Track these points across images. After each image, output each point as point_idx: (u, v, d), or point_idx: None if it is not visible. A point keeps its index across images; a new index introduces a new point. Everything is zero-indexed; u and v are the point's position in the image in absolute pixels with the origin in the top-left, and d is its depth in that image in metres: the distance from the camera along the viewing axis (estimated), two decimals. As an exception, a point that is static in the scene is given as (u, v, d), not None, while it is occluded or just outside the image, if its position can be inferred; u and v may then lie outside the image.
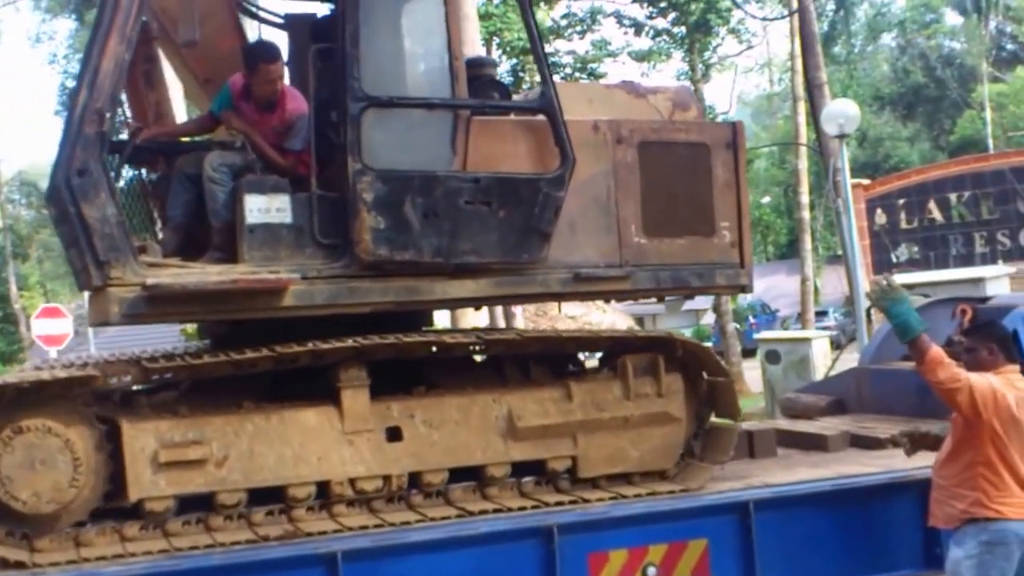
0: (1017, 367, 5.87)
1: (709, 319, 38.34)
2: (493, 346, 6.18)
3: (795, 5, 22.41)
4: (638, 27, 34.11)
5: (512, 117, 6.26)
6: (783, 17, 29.82)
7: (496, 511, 5.82)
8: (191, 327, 19.29)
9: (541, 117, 6.13)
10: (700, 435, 6.52)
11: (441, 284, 5.97)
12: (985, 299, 8.62)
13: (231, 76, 6.40)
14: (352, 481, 5.82)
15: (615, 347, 6.41)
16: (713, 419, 6.57)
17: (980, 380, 5.67)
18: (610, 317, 28.35)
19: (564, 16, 32.96)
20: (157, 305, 5.48)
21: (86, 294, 6.46)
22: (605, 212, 6.29)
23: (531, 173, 6.05)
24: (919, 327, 5.74)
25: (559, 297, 6.31)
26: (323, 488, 5.80)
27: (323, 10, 6.82)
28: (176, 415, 5.59)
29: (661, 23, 34.28)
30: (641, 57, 34.89)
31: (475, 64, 6.36)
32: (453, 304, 6.15)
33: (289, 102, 6.02)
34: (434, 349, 6.07)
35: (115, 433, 5.47)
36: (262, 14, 6.98)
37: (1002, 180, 26.61)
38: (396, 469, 5.89)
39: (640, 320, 35.26)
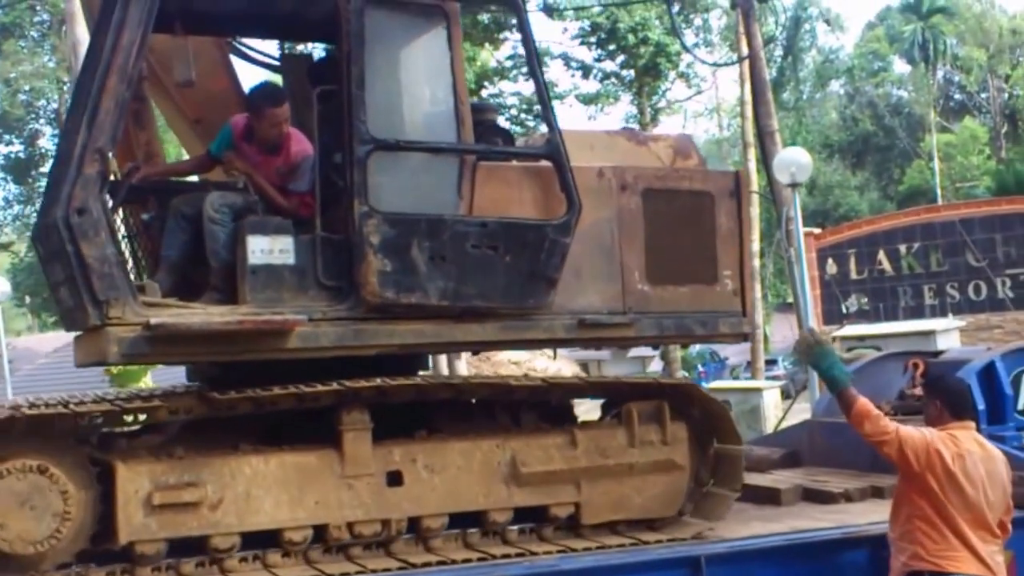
0: (970, 423, 6.00)
1: (656, 366, 38.70)
2: (514, 392, 6.31)
3: (745, 51, 22.95)
4: (586, 70, 34.64)
5: (517, 163, 6.40)
6: (733, 63, 30.46)
7: (439, 563, 5.79)
8: (116, 369, 19.25)
9: (546, 163, 6.27)
10: (698, 495, 6.67)
11: (447, 328, 6.05)
12: (937, 353, 8.84)
13: (222, 116, 6.50)
14: (350, 525, 5.87)
15: (633, 394, 6.55)
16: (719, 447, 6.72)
17: (913, 434, 5.82)
18: (556, 364, 28.53)
19: (510, 57, 33.37)
20: (159, 345, 5.50)
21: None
22: (609, 259, 6.42)
23: (538, 219, 6.17)
24: (845, 380, 5.95)
25: (563, 343, 6.45)
26: (320, 532, 5.84)
27: (318, 51, 6.95)
28: (171, 456, 5.60)
29: (609, 66, 34.84)
30: (589, 100, 35.38)
31: (477, 109, 6.45)
32: (459, 348, 6.24)
33: (294, 144, 6.10)
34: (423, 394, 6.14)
35: (106, 474, 5.49)
36: (257, 56, 7.07)
37: (952, 232, 27.22)
38: (396, 514, 5.94)
39: (585, 365, 35.47)
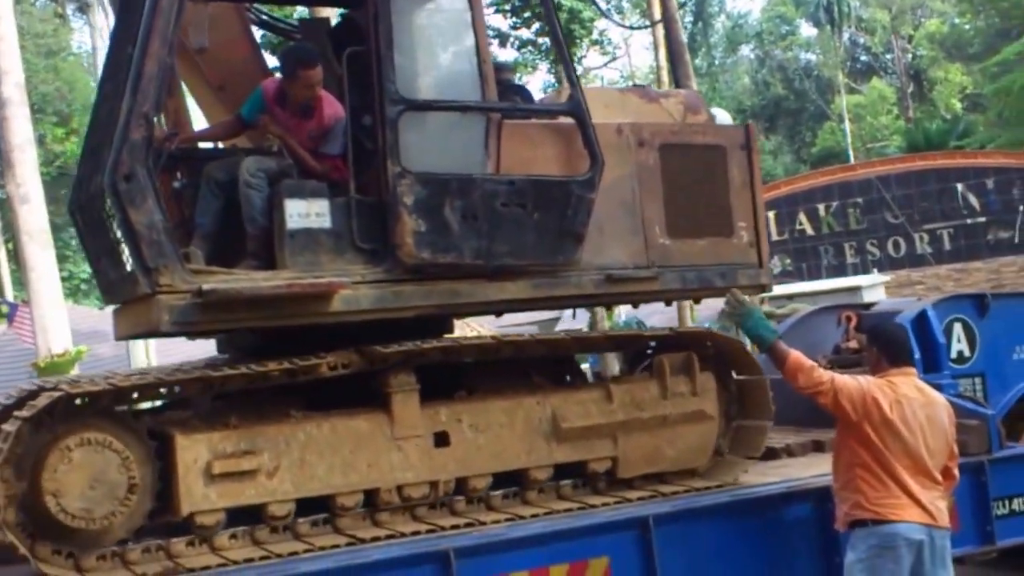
0: (909, 369, 6.07)
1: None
2: (550, 347, 6.44)
3: (657, 15, 23.14)
4: (502, 38, 34.58)
5: (539, 121, 6.52)
6: (647, 26, 30.67)
7: (389, 536, 5.78)
8: (43, 363, 19.04)
9: (566, 121, 6.38)
10: (729, 432, 6.85)
11: (482, 287, 6.15)
12: (868, 306, 9.02)
13: (245, 83, 6.52)
14: (400, 488, 5.97)
15: (648, 346, 6.73)
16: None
17: (848, 382, 5.89)
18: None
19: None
20: (210, 312, 5.52)
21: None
22: (631, 214, 6.55)
23: (563, 175, 6.30)
24: (771, 336, 6.09)
25: (592, 299, 6.55)
26: (370, 496, 5.94)
27: (334, 16, 6.97)
28: (227, 426, 5.64)
29: (526, 34, 34.83)
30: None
31: (495, 68, 6.54)
32: (494, 307, 6.33)
33: (327, 107, 6.12)
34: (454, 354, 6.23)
35: (163, 448, 5.53)
36: (275, 23, 7.09)
37: (869, 190, 27.83)
38: (443, 475, 6.05)
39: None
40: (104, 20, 22.77)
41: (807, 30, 55.52)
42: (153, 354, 22.15)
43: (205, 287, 5.43)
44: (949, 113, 44.71)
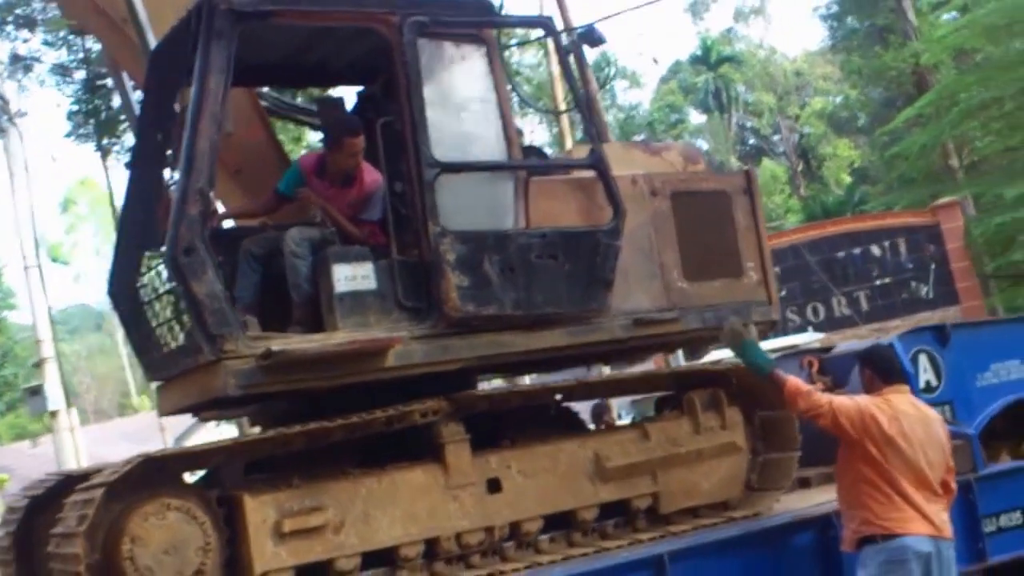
0: (902, 386, 6.30)
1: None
2: (591, 391, 6.61)
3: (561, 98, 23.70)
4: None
5: (560, 177, 6.76)
6: (569, 110, 31.27)
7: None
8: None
9: (585, 175, 6.65)
10: (758, 465, 7.04)
11: (522, 337, 6.32)
12: (827, 350, 9.23)
13: (261, 166, 6.68)
14: (458, 536, 6.04)
15: (679, 383, 6.94)
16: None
17: (846, 403, 6.11)
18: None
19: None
20: (272, 374, 5.62)
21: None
22: (649, 260, 6.80)
23: (589, 226, 6.53)
24: (768, 365, 6.35)
25: (622, 343, 6.71)
26: (429, 545, 6.00)
27: (342, 92, 7.18)
28: (290, 486, 5.69)
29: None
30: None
31: None
32: (533, 355, 6.47)
33: (367, 174, 6.31)
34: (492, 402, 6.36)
35: (229, 513, 5.55)
36: (287, 109, 7.30)
37: (785, 258, 28.33)
38: (498, 520, 6.15)
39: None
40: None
41: (696, 117, 56.95)
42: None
43: (274, 348, 5.53)
44: (840, 187, 46.02)
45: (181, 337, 5.87)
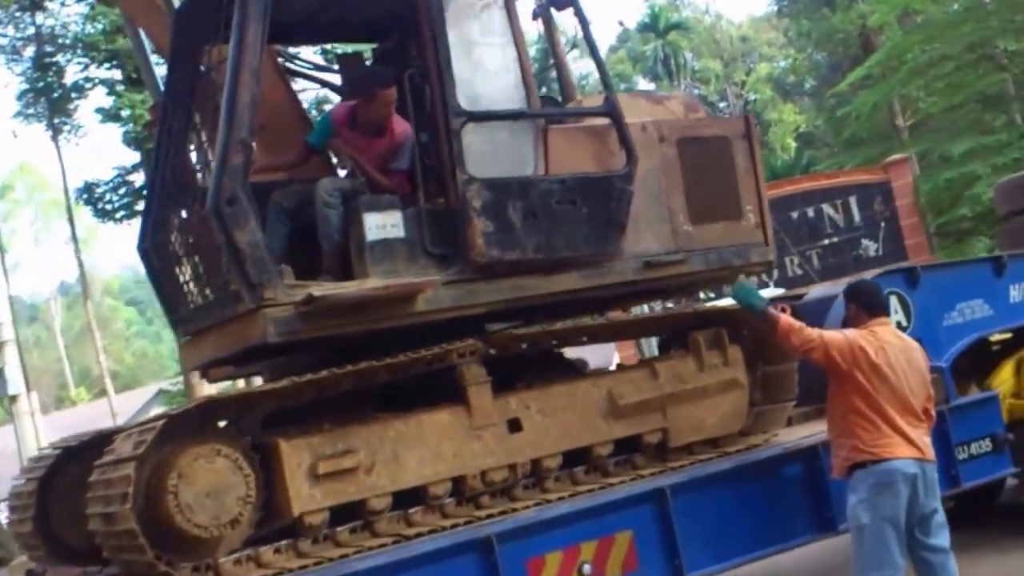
0: (885, 318, 6.61)
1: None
2: (615, 330, 6.88)
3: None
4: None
5: (574, 124, 6.93)
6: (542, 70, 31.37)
7: (431, 531, 5.97)
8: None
9: (599, 122, 6.84)
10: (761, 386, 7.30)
11: (542, 281, 6.50)
12: (799, 296, 9.42)
13: (283, 123, 6.79)
14: (483, 473, 6.24)
15: (683, 324, 7.17)
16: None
17: (836, 336, 6.39)
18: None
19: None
20: (311, 320, 5.76)
21: None
22: (658, 204, 6.98)
23: (604, 172, 6.71)
24: (762, 304, 6.62)
25: (633, 285, 6.91)
26: (456, 484, 6.19)
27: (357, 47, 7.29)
28: (322, 431, 5.82)
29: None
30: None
31: None
32: (552, 298, 6.64)
33: (396, 125, 6.43)
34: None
35: (264, 458, 5.67)
36: (305, 68, 7.41)
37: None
38: (520, 458, 6.35)
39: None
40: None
41: (645, 86, 57.20)
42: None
43: (316, 293, 5.67)
44: (786, 153, 46.50)
45: (213, 289, 5.99)
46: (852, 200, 25.15)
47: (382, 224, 6.08)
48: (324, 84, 7.91)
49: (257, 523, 5.65)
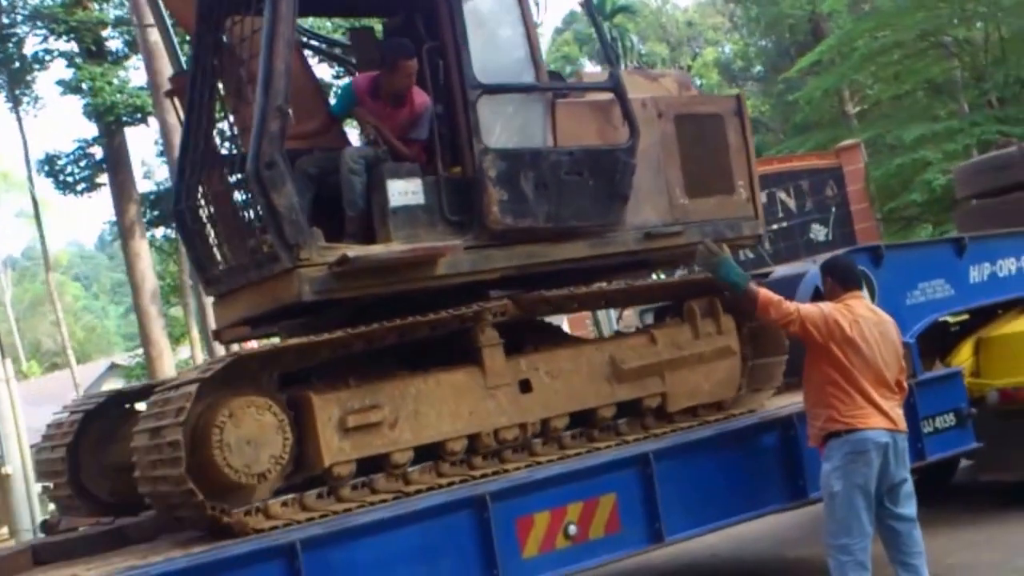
0: (859, 292, 6.91)
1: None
2: (628, 296, 7.41)
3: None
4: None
5: (578, 99, 7.32)
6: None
7: (429, 489, 6.29)
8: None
9: (602, 97, 7.25)
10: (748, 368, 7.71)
11: (551, 248, 6.91)
12: (766, 274, 9.67)
13: (298, 94, 7.10)
14: (496, 432, 6.62)
15: (680, 293, 7.60)
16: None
17: (812, 310, 6.70)
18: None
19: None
20: (343, 280, 6.12)
21: None
22: (657, 177, 7.40)
23: (609, 145, 7.12)
24: (742, 280, 6.94)
25: (634, 255, 7.33)
26: (470, 441, 6.56)
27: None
28: (348, 386, 6.17)
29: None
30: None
31: None
32: (559, 265, 6.99)
33: (416, 96, 6.76)
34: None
35: (296, 412, 6.01)
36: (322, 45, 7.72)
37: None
38: (531, 417, 6.74)
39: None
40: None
41: (591, 68, 57.60)
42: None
43: (351, 254, 6.03)
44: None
45: (246, 251, 6.33)
46: (804, 185, 25.78)
47: (404, 191, 6.44)
48: (331, 57, 8.23)
49: (287, 476, 6.00)
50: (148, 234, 26.13)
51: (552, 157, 6.85)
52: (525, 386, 6.74)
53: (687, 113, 7.67)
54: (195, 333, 26.97)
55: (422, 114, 6.76)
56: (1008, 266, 9.63)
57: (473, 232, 6.63)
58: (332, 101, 7.49)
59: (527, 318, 6.90)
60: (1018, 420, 8.99)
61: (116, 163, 25.06)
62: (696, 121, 7.71)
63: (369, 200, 6.49)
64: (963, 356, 9.31)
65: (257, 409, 5.77)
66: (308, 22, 8.51)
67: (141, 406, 6.58)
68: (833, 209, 25.74)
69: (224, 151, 6.86)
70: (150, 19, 20.33)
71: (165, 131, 20.48)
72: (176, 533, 6.37)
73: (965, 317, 9.83)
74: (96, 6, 25.94)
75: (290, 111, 6.09)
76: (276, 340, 6.99)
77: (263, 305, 6.39)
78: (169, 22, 8.07)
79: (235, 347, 9.80)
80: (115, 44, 26.52)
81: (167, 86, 19.78)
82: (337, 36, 9.59)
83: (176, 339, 29.34)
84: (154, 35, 20.38)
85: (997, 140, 16.21)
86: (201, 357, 26.76)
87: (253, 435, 5.72)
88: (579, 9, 54.84)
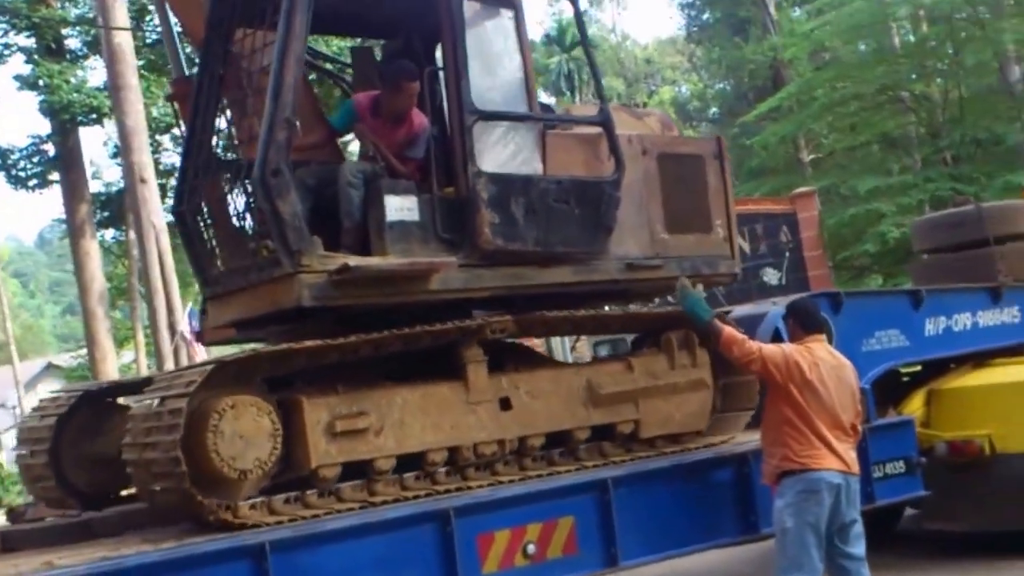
0: (820, 336, 7.20)
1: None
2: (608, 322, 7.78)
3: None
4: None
5: (566, 131, 7.66)
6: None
7: (395, 500, 6.53)
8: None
9: (590, 131, 7.60)
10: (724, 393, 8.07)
11: (538, 272, 7.22)
12: (726, 312, 10.15)
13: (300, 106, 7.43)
14: (475, 446, 6.92)
15: (656, 325, 7.95)
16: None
17: (774, 350, 6.98)
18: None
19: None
20: (343, 288, 6.40)
21: None
22: (640, 212, 7.74)
23: (596, 177, 7.46)
24: (707, 315, 7.29)
25: (616, 284, 7.65)
26: (451, 453, 6.85)
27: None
28: (336, 393, 6.45)
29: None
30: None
31: None
32: (545, 289, 7.28)
33: (415, 117, 7.08)
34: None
35: (286, 414, 6.27)
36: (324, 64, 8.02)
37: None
38: (509, 434, 7.05)
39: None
40: None
41: (546, 99, 58.18)
42: None
43: (352, 263, 6.32)
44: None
45: (248, 254, 6.60)
46: (759, 228, 26.30)
47: (400, 207, 6.73)
48: (328, 74, 8.53)
49: (273, 475, 6.27)
50: (98, 235, 26.16)
51: (542, 184, 7.18)
52: (505, 404, 7.05)
53: (670, 152, 8.04)
54: (140, 337, 27.01)
55: (420, 134, 7.08)
56: (963, 321, 10.05)
57: (464, 251, 6.92)
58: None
59: (513, 338, 7.21)
60: (965, 473, 9.40)
61: (69, 161, 25.19)
62: (678, 160, 8.07)
63: (366, 213, 6.77)
64: (914, 406, 9.67)
65: (258, 410, 6.06)
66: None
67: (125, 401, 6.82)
68: (787, 254, 26.24)
69: (224, 157, 7.09)
70: (115, 21, 20.61)
71: (123, 133, 20.65)
72: (142, 530, 6.67)
73: (917, 368, 10.20)
74: (58, 4, 26.05)
75: (297, 123, 6.35)
76: (257, 346, 7.22)
77: (260, 308, 6.64)
78: (176, 29, 8.31)
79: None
80: (75, 43, 26.67)
81: (129, 88, 20.45)
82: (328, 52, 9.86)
83: (120, 343, 29.32)
84: (118, 37, 20.59)
85: (953, 198, 16.77)
86: (145, 362, 26.81)
87: (248, 432, 5.99)
88: (535, 40, 55.60)
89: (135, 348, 28.26)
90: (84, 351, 25.49)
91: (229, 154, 7.08)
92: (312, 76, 8.40)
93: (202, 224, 7.01)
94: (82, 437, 7.20)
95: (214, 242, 6.99)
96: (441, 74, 7.43)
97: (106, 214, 27.04)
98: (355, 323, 6.67)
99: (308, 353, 6.26)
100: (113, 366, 23.89)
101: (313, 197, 6.86)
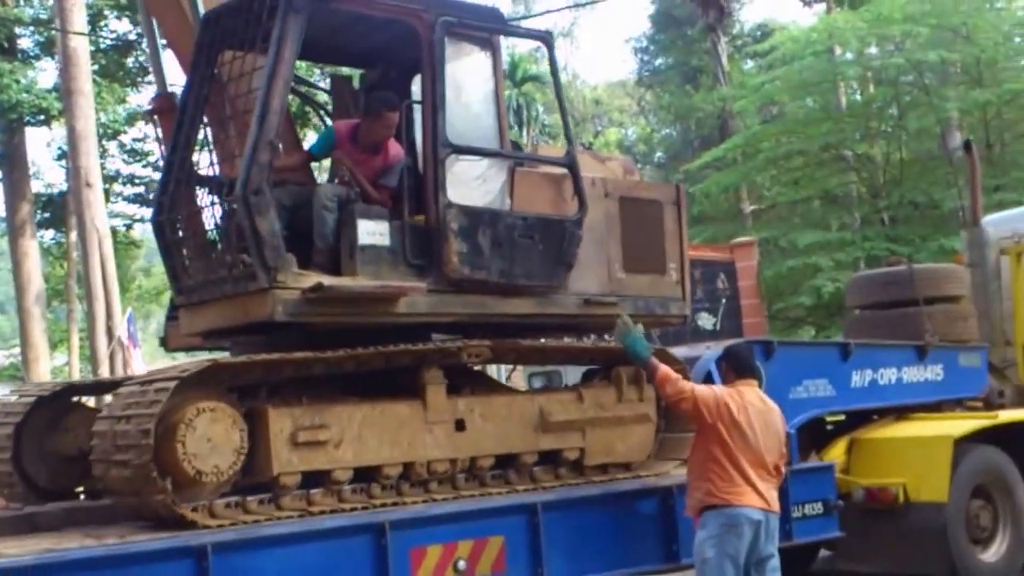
0: (752, 381, 7.52)
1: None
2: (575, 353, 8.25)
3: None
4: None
5: (534, 169, 8.08)
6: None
7: (333, 511, 6.83)
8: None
9: (557, 170, 8.02)
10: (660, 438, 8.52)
11: (501, 301, 7.62)
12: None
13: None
14: (429, 463, 7.30)
15: (607, 359, 8.39)
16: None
17: (705, 391, 7.30)
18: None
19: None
20: (315, 305, 6.75)
21: None
22: (599, 251, 8.16)
23: (559, 215, 7.89)
24: (646, 353, 7.51)
25: (574, 318, 8.08)
26: (405, 468, 7.22)
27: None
28: (300, 404, 6.82)
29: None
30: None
31: None
32: (507, 319, 7.67)
33: (391, 147, 7.47)
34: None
35: (251, 422, 6.61)
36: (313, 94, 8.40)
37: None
38: (461, 454, 7.43)
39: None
40: None
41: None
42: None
43: (325, 283, 6.68)
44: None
45: (224, 266, 6.93)
46: (696, 274, 26.83)
47: (372, 231, 7.09)
48: (308, 101, 8.92)
49: (235, 481, 6.60)
50: (38, 235, 26.19)
51: (508, 219, 7.58)
52: (460, 425, 7.44)
53: (630, 196, 8.48)
54: (75, 340, 27.01)
55: (395, 164, 7.46)
56: (889, 375, 10.54)
57: (432, 277, 7.30)
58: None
59: (486, 363, 7.67)
60: (879, 518, 9.94)
61: (13, 161, 25.21)
62: (638, 205, 8.51)
63: (338, 235, 7.13)
64: (836, 452, 10.19)
65: (233, 421, 6.43)
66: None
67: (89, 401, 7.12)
68: (723, 301, 26.84)
69: (203, 173, 7.40)
70: (72, 25, 20.79)
71: (72, 137, 20.81)
72: (84, 526, 6.96)
73: (842, 417, 10.73)
74: (12, 3, 26.14)
75: (280, 146, 6.71)
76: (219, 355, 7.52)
77: (233, 319, 6.97)
78: (160, 43, 8.64)
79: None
80: (27, 43, 26.73)
81: (81, 93, 20.62)
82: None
83: (53, 345, 29.27)
84: (74, 41, 20.77)
85: (888, 258, 17.40)
86: (78, 365, 26.82)
87: (216, 439, 6.35)
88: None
89: (68, 351, 28.22)
90: (17, 350, 25.41)
91: (209, 171, 7.37)
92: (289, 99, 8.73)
93: (179, 235, 7.31)
94: (44, 434, 7.56)
95: (189, 253, 7.29)
96: (416, 107, 7.83)
97: (47, 215, 27.03)
98: (321, 339, 7.03)
99: (266, 365, 6.61)
100: (46, 367, 23.92)
101: (288, 216, 7.20)
